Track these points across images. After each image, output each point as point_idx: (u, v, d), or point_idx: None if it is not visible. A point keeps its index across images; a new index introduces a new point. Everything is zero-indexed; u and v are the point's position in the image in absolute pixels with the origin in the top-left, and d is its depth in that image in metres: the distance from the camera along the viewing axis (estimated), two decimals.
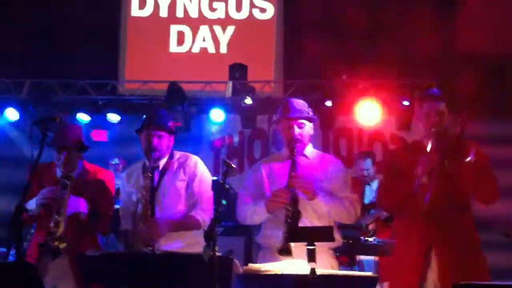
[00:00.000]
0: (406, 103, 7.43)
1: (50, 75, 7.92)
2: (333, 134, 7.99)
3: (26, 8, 8.56)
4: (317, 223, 3.32)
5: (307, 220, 3.29)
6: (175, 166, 3.61)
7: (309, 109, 3.54)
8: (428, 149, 3.13)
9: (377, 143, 7.92)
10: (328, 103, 7.59)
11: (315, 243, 2.86)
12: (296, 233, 2.99)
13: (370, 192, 5.69)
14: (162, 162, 3.61)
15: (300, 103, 3.53)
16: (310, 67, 8.22)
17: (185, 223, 3.51)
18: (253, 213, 3.41)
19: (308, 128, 3.49)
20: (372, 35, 8.45)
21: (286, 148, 3.47)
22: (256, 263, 3.21)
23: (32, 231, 4.06)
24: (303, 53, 8.64)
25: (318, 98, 7.64)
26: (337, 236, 3.37)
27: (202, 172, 3.64)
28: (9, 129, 7.66)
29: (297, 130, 3.43)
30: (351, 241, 4.62)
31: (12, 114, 7.51)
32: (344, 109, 7.71)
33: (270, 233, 3.38)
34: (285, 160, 3.40)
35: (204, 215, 3.52)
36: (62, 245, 3.38)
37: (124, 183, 3.71)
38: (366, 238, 4.83)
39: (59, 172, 3.69)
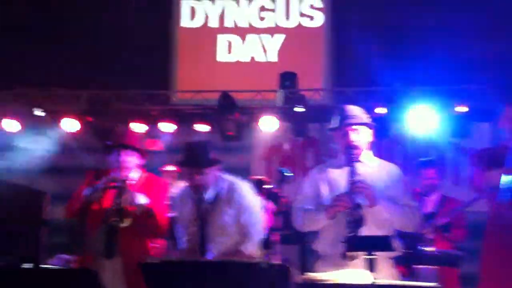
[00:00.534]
0: (461, 109, 7.26)
1: (105, 86, 8.13)
2: (387, 142, 7.87)
3: (80, 21, 8.82)
4: (376, 231, 3.27)
5: (367, 229, 3.24)
6: (223, 198, 3.65)
7: (367, 115, 3.51)
8: None
9: (432, 150, 7.76)
10: (381, 111, 7.49)
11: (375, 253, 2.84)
12: (354, 242, 2.96)
13: (432, 202, 5.56)
14: (210, 193, 3.66)
15: (356, 109, 3.51)
16: (361, 74, 8.14)
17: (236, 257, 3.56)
18: (311, 219, 3.39)
19: (366, 134, 3.46)
20: (424, 38, 8.30)
21: (343, 155, 3.44)
22: (313, 271, 3.20)
23: None
24: (354, 60, 8.58)
25: (370, 105, 7.55)
26: (397, 245, 3.32)
27: (251, 203, 3.68)
28: (68, 140, 7.88)
29: (353, 136, 3.39)
30: (409, 251, 4.52)
31: (70, 124, 7.72)
32: (397, 116, 7.59)
33: (328, 240, 3.34)
34: (343, 167, 3.37)
35: (253, 249, 3.54)
36: (125, 222, 3.43)
37: (178, 206, 3.77)
38: (424, 248, 4.72)
39: (115, 172, 3.78)
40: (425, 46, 8.27)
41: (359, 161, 3.39)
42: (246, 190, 3.71)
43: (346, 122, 3.41)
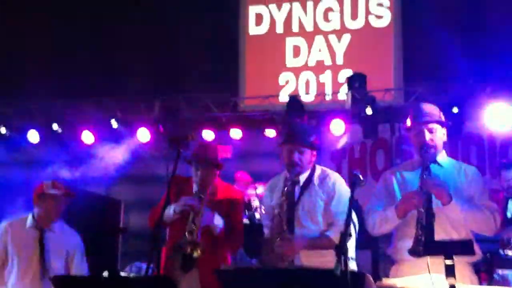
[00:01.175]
0: None
1: (175, 93, 8.31)
2: (462, 142, 7.57)
3: (153, 29, 9.05)
4: (452, 233, 3.14)
5: (441, 229, 3.13)
6: (316, 182, 3.60)
7: (440, 113, 3.40)
8: None
9: (510, 150, 7.40)
10: (455, 109, 7.22)
11: (454, 258, 2.73)
12: (433, 246, 2.87)
13: None
14: (303, 177, 3.61)
15: (431, 107, 3.42)
16: (432, 72, 7.91)
17: (320, 243, 3.49)
18: (382, 220, 3.30)
19: (440, 133, 3.36)
20: (500, 28, 7.94)
21: (417, 155, 3.34)
22: (387, 277, 3.12)
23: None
24: (424, 57, 8.35)
25: (443, 104, 7.30)
26: (476, 249, 3.18)
27: (341, 192, 3.58)
28: (142, 149, 8.11)
29: (428, 135, 3.31)
30: (489, 255, 4.32)
31: (144, 134, 7.94)
32: (472, 114, 7.29)
33: (402, 245, 3.24)
34: (416, 168, 3.28)
35: (337, 236, 3.45)
36: (196, 252, 3.50)
37: (267, 194, 3.77)
38: (506, 253, 4.50)
39: (195, 187, 3.86)
40: (501, 40, 7.92)
41: (434, 161, 3.29)
42: (338, 179, 3.66)
43: (420, 121, 3.31)
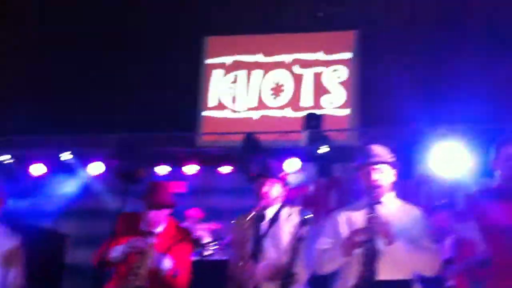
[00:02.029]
0: (490, 148, 7.11)
1: (132, 129, 8.25)
2: (413, 182, 7.73)
3: (113, 64, 9.03)
4: (396, 273, 3.16)
5: (385, 269, 3.15)
6: (283, 217, 3.66)
7: (391, 155, 3.46)
8: None
9: (459, 191, 7.59)
10: (406, 151, 7.39)
11: None
12: (375, 286, 2.88)
13: (448, 247, 5.42)
14: (271, 210, 3.67)
15: (380, 149, 3.48)
16: (387, 114, 8.10)
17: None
18: (329, 259, 3.32)
19: (389, 174, 3.40)
20: (450, 78, 8.26)
21: (365, 196, 3.39)
22: None
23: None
24: (379, 100, 8.56)
25: (395, 145, 7.46)
26: None
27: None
28: (92, 183, 7.98)
29: (376, 175, 3.34)
30: None
31: (96, 167, 7.83)
32: (423, 156, 7.48)
33: (345, 284, 3.25)
34: (363, 208, 3.32)
35: (302, 270, 3.46)
36: None
37: (235, 231, 3.75)
38: None
39: (143, 225, 3.77)
40: (453, 84, 8.22)
41: (380, 202, 3.33)
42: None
43: (368, 161, 3.37)
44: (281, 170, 3.81)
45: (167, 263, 3.63)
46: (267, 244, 3.57)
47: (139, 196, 3.83)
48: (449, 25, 8.50)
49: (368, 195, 3.31)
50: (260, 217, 3.61)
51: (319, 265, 3.37)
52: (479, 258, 4.94)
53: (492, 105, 7.70)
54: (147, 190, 3.85)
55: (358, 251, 3.12)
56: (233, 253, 3.69)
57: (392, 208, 3.37)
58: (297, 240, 3.25)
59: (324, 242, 3.39)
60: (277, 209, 3.69)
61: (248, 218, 3.64)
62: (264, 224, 3.63)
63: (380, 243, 3.13)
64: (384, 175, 3.39)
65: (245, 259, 3.46)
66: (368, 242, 3.08)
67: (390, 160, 3.44)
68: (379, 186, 3.33)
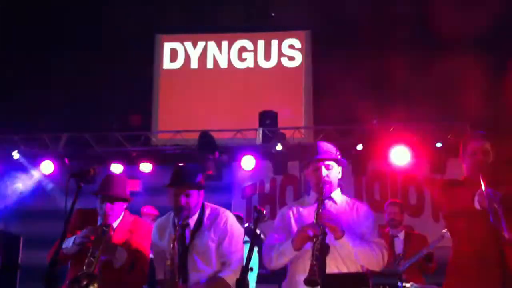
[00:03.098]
0: (439, 145, 7.34)
1: (85, 128, 8.13)
2: (366, 179, 7.91)
3: (65, 64, 8.87)
4: (343, 268, 3.21)
5: (333, 264, 3.18)
6: (206, 224, 3.51)
7: (338, 152, 3.52)
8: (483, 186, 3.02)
9: (411, 186, 7.81)
10: (360, 148, 7.54)
11: None
12: (329, 279, 2.93)
13: (399, 243, 5.58)
14: (193, 219, 3.51)
15: (328, 146, 3.49)
16: (340, 113, 8.22)
17: (214, 285, 3.41)
18: (279, 254, 3.31)
19: (336, 171, 3.45)
20: (403, 78, 8.45)
21: (313, 192, 3.44)
22: None
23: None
24: (333, 98, 8.68)
25: (349, 143, 7.62)
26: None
27: (233, 231, 3.53)
28: (44, 182, 7.82)
29: (324, 171, 3.37)
30: None
31: (47, 167, 7.68)
32: (376, 153, 7.65)
33: (296, 279, 3.26)
34: (313, 204, 3.36)
35: (234, 277, 3.35)
36: (93, 286, 3.33)
37: (156, 238, 3.63)
38: (404, 284, 4.69)
39: (100, 220, 3.71)
40: (400, 85, 8.41)
41: (329, 197, 3.39)
42: (230, 217, 3.58)
43: (317, 157, 3.42)
44: (197, 175, 3.54)
45: (120, 255, 3.57)
46: (195, 257, 3.46)
47: (95, 191, 3.75)
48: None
49: (317, 191, 3.36)
50: (182, 228, 3.44)
51: (269, 260, 3.36)
52: (425, 252, 5.13)
53: (439, 104, 7.93)
54: (102, 183, 3.78)
55: (308, 245, 3.15)
56: (159, 265, 3.51)
57: (340, 203, 3.44)
58: (253, 237, 3.27)
59: (274, 238, 3.42)
60: (198, 217, 3.52)
61: (169, 229, 3.52)
62: (187, 236, 3.47)
63: (329, 238, 3.19)
64: (332, 171, 3.42)
65: (174, 279, 3.36)
66: (318, 236, 3.12)
67: (337, 156, 3.48)
68: (328, 182, 3.36)
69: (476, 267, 3.10)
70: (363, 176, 7.85)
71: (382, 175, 7.89)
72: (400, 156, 7.37)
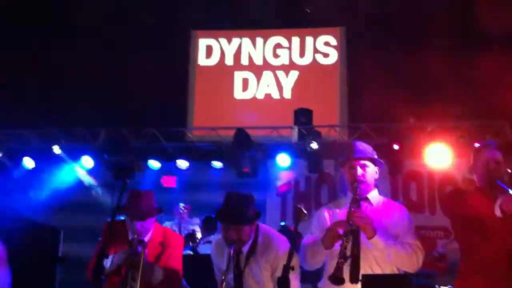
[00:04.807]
0: (477, 145, 7.22)
1: (123, 124, 8.24)
2: (402, 178, 7.82)
3: (102, 60, 9.02)
4: (376, 268, 3.19)
5: (366, 264, 3.16)
6: (260, 251, 3.48)
7: (374, 152, 3.51)
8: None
9: (448, 187, 7.70)
10: (396, 147, 7.47)
11: None
12: (371, 280, 2.92)
13: None
14: (246, 247, 3.48)
15: (364, 145, 3.48)
16: (376, 111, 8.16)
17: None
18: (312, 253, 3.31)
19: (372, 170, 3.41)
20: (440, 76, 8.34)
21: (349, 192, 3.43)
22: None
23: None
24: (369, 96, 8.61)
25: (385, 141, 7.56)
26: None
27: (284, 257, 3.32)
28: (84, 176, 7.98)
29: (360, 171, 3.35)
30: None
31: (87, 162, 7.83)
32: (412, 152, 7.56)
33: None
34: (348, 204, 3.36)
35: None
36: None
37: (214, 254, 3.63)
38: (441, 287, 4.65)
39: (131, 235, 3.67)
40: (437, 83, 8.31)
41: (364, 198, 3.36)
42: (282, 246, 3.49)
43: (352, 157, 3.39)
44: (249, 207, 3.45)
45: (158, 274, 3.56)
46: (250, 281, 3.45)
47: (120, 208, 3.77)
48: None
49: (352, 190, 3.33)
50: (237, 254, 3.43)
51: (305, 260, 3.36)
52: (436, 254, 5.08)
53: (478, 103, 7.80)
54: (130, 200, 3.78)
55: (340, 243, 3.13)
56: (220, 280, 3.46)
57: (376, 204, 3.40)
58: (294, 236, 3.27)
59: (310, 239, 3.39)
60: (251, 245, 3.48)
61: (226, 251, 3.49)
62: (242, 261, 3.45)
63: (362, 238, 3.18)
64: (368, 171, 3.38)
65: None
66: (349, 234, 3.10)
67: (373, 156, 3.47)
68: (363, 181, 3.33)
69: (486, 271, 3.11)
70: (399, 176, 7.77)
71: (419, 175, 7.80)
72: (436, 155, 7.28)
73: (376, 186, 3.46)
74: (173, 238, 3.82)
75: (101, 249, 3.30)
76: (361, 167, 3.37)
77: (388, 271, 3.22)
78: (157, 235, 3.78)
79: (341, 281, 2.99)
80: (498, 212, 3.06)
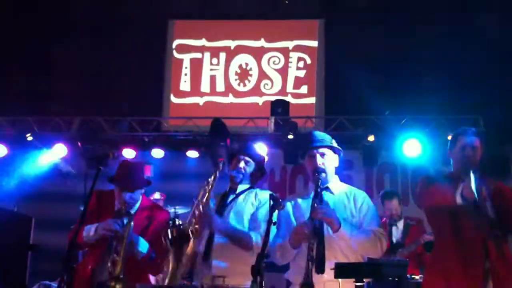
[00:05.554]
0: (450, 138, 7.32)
1: (98, 112, 8.16)
2: (377, 169, 7.91)
3: (78, 48, 8.90)
4: (342, 259, 3.24)
5: (332, 256, 3.21)
6: (252, 194, 3.70)
7: (333, 140, 3.53)
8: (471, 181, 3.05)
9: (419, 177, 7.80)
10: (371, 138, 7.54)
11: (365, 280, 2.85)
12: (342, 269, 2.95)
13: (397, 232, 5.61)
14: (242, 187, 3.72)
15: (322, 134, 3.54)
16: (352, 103, 8.21)
17: (238, 234, 3.53)
18: (282, 254, 3.38)
19: (332, 158, 3.46)
20: (416, 70, 8.43)
21: (311, 182, 3.44)
22: None
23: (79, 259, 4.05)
24: (345, 88, 8.67)
25: (360, 133, 7.62)
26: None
27: (268, 205, 3.63)
28: (58, 165, 7.88)
29: (319, 159, 3.40)
30: (397, 279, 4.49)
31: (60, 150, 7.73)
32: (387, 144, 7.64)
33: (297, 269, 3.29)
34: (310, 195, 3.36)
35: (259, 239, 3.49)
36: (119, 287, 3.33)
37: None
38: (413, 277, 4.71)
39: (117, 204, 3.66)
40: (415, 77, 8.39)
41: (326, 188, 3.40)
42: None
43: (311, 146, 3.43)
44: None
45: (143, 247, 3.57)
46: (230, 213, 3.62)
47: (109, 178, 3.73)
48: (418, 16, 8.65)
49: (313, 180, 3.36)
50: (229, 190, 3.70)
51: (278, 258, 3.42)
52: (423, 242, 5.16)
53: (452, 96, 7.90)
54: (119, 171, 3.74)
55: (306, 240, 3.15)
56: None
57: (337, 193, 3.43)
58: (269, 224, 3.29)
59: (277, 232, 3.42)
60: (247, 188, 3.73)
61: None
62: (230, 197, 3.68)
63: (327, 231, 3.21)
64: (327, 159, 3.43)
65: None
66: (314, 234, 3.12)
67: (331, 144, 3.49)
68: (323, 170, 3.38)
69: (458, 261, 3.13)
70: (374, 167, 7.85)
71: (393, 167, 7.89)
72: (411, 147, 7.37)
73: (336, 173, 3.50)
74: (160, 214, 3.79)
75: (83, 215, 3.25)
76: (320, 156, 3.41)
77: (353, 259, 3.29)
78: (144, 208, 3.75)
79: (312, 286, 3.00)
80: (459, 199, 3.08)
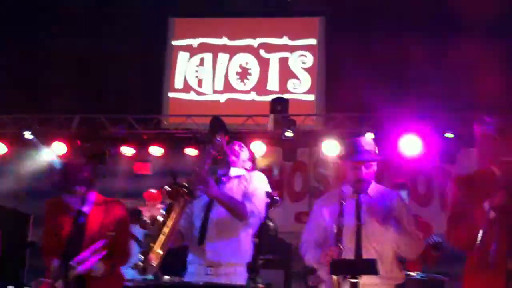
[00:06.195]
0: (449, 135, 7.31)
1: (98, 110, 8.16)
2: (376, 167, 7.88)
3: (77, 46, 8.89)
4: (375, 252, 3.21)
5: (368, 243, 3.17)
6: (242, 179, 3.82)
7: (375, 147, 3.42)
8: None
9: (420, 176, 7.80)
10: (371, 136, 7.52)
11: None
12: (338, 265, 2.94)
13: None
14: (235, 172, 3.88)
15: (368, 143, 3.39)
16: (352, 100, 8.19)
17: (233, 201, 3.62)
18: (312, 261, 3.36)
19: (374, 165, 3.37)
20: (416, 67, 8.40)
21: (350, 186, 3.33)
22: None
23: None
24: (345, 86, 8.64)
25: (360, 131, 7.60)
26: (401, 271, 3.31)
27: (260, 175, 3.86)
28: (56, 163, 7.88)
29: (364, 170, 3.29)
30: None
31: (59, 147, 7.73)
32: (386, 142, 7.62)
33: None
34: (348, 199, 3.22)
35: (253, 207, 3.56)
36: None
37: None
38: (409, 273, 4.70)
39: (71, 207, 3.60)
40: (416, 75, 8.37)
41: (365, 193, 3.32)
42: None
43: (358, 158, 3.30)
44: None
45: (99, 268, 3.44)
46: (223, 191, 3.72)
47: (52, 183, 3.74)
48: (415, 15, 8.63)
49: (356, 190, 3.25)
50: (222, 175, 3.83)
51: (311, 263, 3.39)
52: (432, 241, 5.13)
53: (452, 93, 7.89)
54: (58, 177, 3.69)
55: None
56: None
57: (373, 196, 3.35)
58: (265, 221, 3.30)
59: (310, 239, 3.40)
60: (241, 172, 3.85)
61: None
62: (224, 181, 3.82)
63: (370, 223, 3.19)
64: (371, 168, 3.33)
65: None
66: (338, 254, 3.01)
67: (376, 155, 3.37)
68: (368, 181, 3.31)
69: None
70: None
71: (391, 164, 7.88)
72: (409, 145, 7.36)
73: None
74: (115, 206, 3.74)
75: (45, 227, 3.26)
76: (365, 167, 3.32)
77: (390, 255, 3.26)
78: (97, 203, 3.69)
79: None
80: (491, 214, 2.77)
